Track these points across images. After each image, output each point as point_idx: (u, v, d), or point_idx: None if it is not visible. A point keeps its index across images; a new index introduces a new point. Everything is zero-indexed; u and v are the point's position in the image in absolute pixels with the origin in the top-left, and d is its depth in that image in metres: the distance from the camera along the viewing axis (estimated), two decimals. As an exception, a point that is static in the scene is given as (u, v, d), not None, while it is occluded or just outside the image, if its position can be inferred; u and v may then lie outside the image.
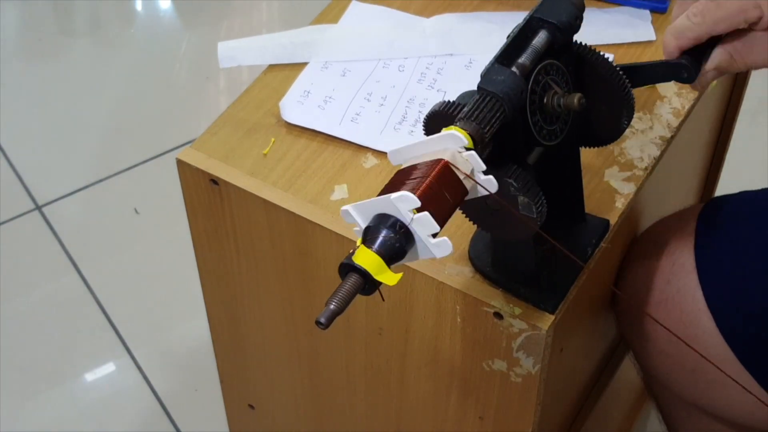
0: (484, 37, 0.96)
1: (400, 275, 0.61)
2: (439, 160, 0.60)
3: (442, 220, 0.61)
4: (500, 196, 0.64)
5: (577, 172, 0.74)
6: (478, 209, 0.70)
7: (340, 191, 0.85)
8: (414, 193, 0.59)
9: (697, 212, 0.99)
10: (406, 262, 0.62)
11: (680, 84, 0.92)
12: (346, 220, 0.63)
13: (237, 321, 1.01)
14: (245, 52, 0.95)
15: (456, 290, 0.79)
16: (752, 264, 0.93)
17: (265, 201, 0.84)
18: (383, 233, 0.60)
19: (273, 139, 0.85)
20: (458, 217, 0.68)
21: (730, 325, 0.92)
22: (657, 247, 0.98)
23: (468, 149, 0.60)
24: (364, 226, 0.61)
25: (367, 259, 0.60)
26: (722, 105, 1.21)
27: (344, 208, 0.62)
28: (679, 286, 0.94)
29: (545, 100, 0.65)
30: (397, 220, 0.60)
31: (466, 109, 0.61)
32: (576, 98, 0.64)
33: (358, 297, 0.61)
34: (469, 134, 0.60)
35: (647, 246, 1.00)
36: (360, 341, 0.91)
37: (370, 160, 0.87)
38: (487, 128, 0.61)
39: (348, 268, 0.60)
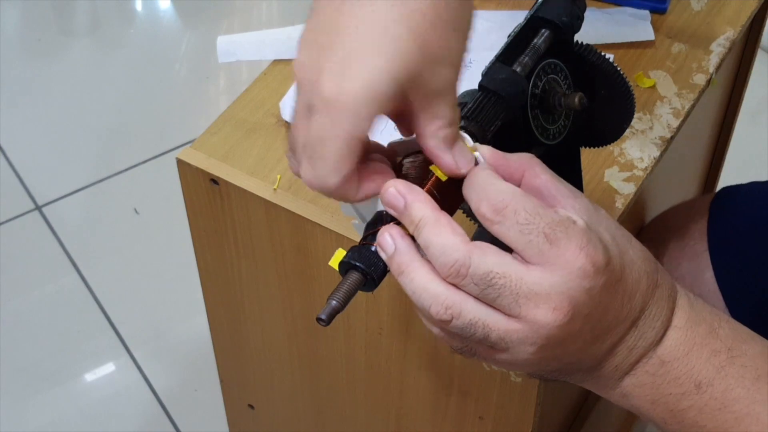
0: (483, 36, 0.96)
1: None
2: None
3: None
4: None
5: (577, 172, 0.74)
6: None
7: (340, 191, 0.85)
8: None
9: (708, 200, 0.99)
10: None
11: (680, 84, 0.92)
12: (345, 213, 0.62)
13: (237, 321, 1.01)
14: (244, 46, 0.95)
15: (456, 290, 0.78)
16: (764, 246, 0.93)
17: (265, 201, 0.84)
18: None
19: (279, 176, 0.85)
20: (458, 216, 0.67)
21: (740, 305, 0.92)
22: (667, 232, 0.98)
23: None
24: (365, 222, 0.61)
25: None
26: (722, 105, 1.21)
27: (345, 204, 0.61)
28: (689, 268, 0.94)
29: (546, 100, 0.64)
30: None
31: (467, 107, 0.61)
32: (577, 98, 0.64)
33: (359, 297, 0.61)
34: (471, 133, 0.60)
35: (657, 231, 1.00)
36: (360, 341, 0.91)
37: (371, 160, 0.87)
38: (489, 127, 0.61)
39: (348, 266, 0.59)
